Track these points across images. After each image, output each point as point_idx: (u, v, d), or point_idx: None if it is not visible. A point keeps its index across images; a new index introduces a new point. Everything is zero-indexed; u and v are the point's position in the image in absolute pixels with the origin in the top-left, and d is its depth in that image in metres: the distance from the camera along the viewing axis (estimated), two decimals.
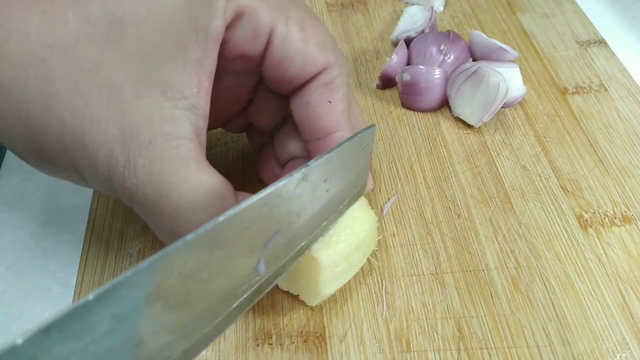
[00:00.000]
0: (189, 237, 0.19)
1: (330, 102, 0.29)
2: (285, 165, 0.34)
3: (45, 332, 0.16)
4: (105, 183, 0.25)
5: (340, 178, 0.27)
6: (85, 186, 0.27)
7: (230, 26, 0.26)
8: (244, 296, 0.24)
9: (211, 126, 0.27)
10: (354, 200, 0.30)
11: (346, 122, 0.30)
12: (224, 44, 0.26)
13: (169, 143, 0.24)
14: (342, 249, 0.28)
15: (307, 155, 0.33)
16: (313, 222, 0.26)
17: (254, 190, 0.25)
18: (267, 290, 0.25)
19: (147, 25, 0.24)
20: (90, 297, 0.16)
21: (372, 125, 0.28)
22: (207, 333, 0.22)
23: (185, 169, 0.24)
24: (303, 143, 0.33)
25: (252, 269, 0.23)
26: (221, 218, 0.20)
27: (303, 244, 0.27)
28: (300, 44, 0.27)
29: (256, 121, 0.34)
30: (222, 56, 0.26)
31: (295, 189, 0.23)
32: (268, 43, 0.27)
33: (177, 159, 0.24)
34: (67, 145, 0.24)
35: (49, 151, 0.25)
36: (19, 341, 0.15)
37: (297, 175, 0.23)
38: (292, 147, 0.33)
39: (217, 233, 0.20)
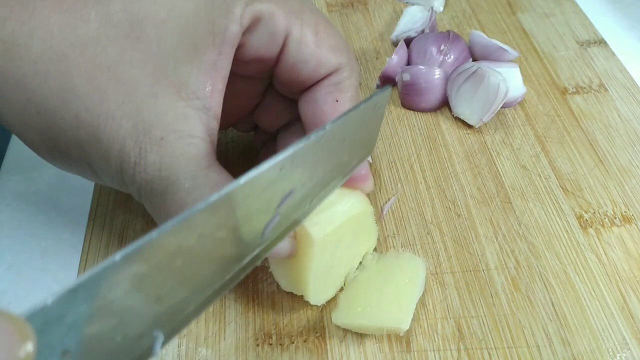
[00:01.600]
0: (213, 198, 0.19)
1: (337, 101, 0.29)
2: None
3: (74, 292, 0.16)
4: (117, 177, 0.25)
5: (356, 139, 0.28)
6: (97, 181, 0.28)
7: (247, 31, 0.26)
8: (254, 253, 0.24)
9: (220, 127, 0.28)
10: (361, 160, 0.30)
11: None
12: (240, 47, 0.27)
13: (181, 140, 0.24)
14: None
15: None
16: (323, 182, 0.27)
17: None
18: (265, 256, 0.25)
19: (166, 27, 0.25)
20: (117, 257, 0.17)
21: (387, 87, 0.28)
22: (218, 288, 0.23)
23: (194, 166, 0.25)
24: None
25: (260, 231, 0.24)
26: (242, 180, 0.21)
27: (311, 203, 0.27)
28: (314, 47, 0.28)
29: (261, 123, 0.35)
30: (237, 59, 0.27)
31: (314, 151, 0.24)
32: (283, 46, 0.28)
33: (187, 156, 0.25)
34: (82, 140, 0.25)
35: (63, 145, 0.25)
36: (49, 301, 0.16)
37: (314, 137, 0.23)
38: None
39: (238, 194, 0.21)
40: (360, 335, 0.30)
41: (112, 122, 0.24)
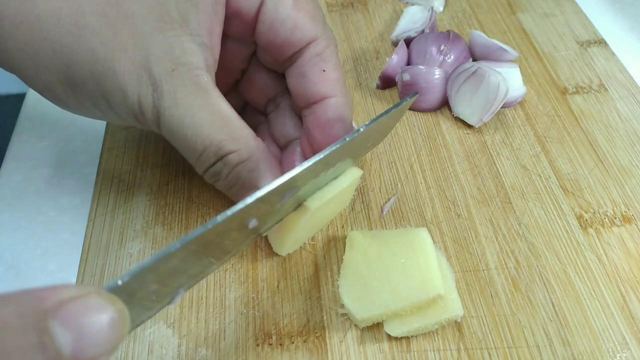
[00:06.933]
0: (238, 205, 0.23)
1: (324, 70, 0.31)
2: (284, 148, 0.35)
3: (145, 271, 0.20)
4: (133, 107, 0.27)
5: (379, 136, 0.33)
6: (109, 116, 0.29)
7: None
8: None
9: None
10: (373, 146, 0.36)
11: (341, 89, 0.31)
12: None
13: (190, 72, 0.27)
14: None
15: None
16: (338, 169, 0.31)
17: None
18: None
19: None
20: (178, 244, 0.22)
21: (416, 93, 0.31)
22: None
23: (206, 94, 0.27)
24: (299, 123, 0.35)
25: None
26: (281, 180, 0.24)
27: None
28: (291, 10, 0.30)
29: (248, 96, 0.36)
30: None
31: (344, 149, 0.28)
32: (261, 5, 0.29)
33: (198, 86, 0.27)
34: (98, 73, 0.27)
35: (80, 81, 0.27)
36: (120, 282, 0.20)
37: (349, 139, 0.27)
38: (289, 128, 0.35)
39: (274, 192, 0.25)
40: (360, 335, 0.30)
41: (125, 55, 0.26)
